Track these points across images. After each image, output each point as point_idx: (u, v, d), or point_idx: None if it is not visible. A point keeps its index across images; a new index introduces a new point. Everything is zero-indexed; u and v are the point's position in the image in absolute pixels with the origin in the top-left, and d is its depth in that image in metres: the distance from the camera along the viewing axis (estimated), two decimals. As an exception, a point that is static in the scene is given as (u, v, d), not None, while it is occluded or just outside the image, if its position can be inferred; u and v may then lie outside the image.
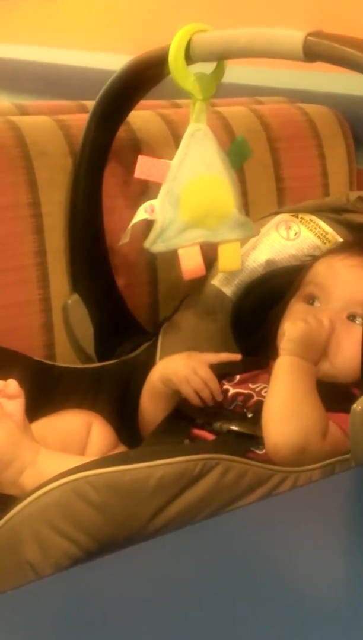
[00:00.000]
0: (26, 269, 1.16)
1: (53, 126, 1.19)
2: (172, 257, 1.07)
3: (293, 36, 0.89)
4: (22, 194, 1.14)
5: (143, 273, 1.24)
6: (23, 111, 1.29)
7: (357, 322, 1.02)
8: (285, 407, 0.93)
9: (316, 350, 0.98)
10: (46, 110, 1.27)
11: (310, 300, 1.05)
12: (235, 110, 1.34)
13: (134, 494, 0.80)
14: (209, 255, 1.09)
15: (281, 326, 1.02)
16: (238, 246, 1.06)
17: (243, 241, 1.13)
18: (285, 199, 1.34)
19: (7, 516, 0.81)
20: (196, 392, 1.03)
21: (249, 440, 0.95)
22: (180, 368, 1.04)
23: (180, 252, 1.04)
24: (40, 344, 1.17)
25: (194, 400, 1.03)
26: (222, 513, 0.83)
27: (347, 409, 0.84)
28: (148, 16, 1.75)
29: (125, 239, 1.07)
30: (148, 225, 1.06)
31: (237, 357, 1.07)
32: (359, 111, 1.39)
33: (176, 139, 1.11)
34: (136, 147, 1.20)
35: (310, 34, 0.88)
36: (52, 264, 1.17)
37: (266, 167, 1.33)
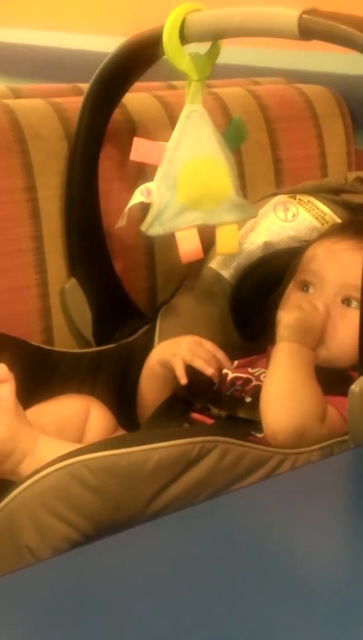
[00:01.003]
0: (23, 253, 1.16)
1: (48, 109, 1.20)
2: (169, 240, 1.08)
3: (288, 14, 0.89)
4: (18, 177, 1.15)
5: (140, 257, 1.25)
6: (17, 94, 1.29)
7: (352, 305, 1.02)
8: (283, 393, 0.94)
9: (312, 336, 0.99)
10: (41, 93, 1.28)
11: (305, 287, 1.06)
12: (232, 91, 1.35)
13: (132, 477, 0.81)
14: (207, 239, 1.09)
15: (277, 314, 1.03)
16: (236, 228, 1.07)
17: (241, 224, 1.13)
18: (283, 180, 1.34)
19: (5, 501, 0.82)
20: (187, 364, 1.02)
21: (248, 425, 0.96)
22: (179, 348, 1.05)
23: (177, 235, 1.05)
24: (38, 329, 1.18)
25: (179, 373, 1.02)
26: (221, 494, 0.84)
27: (344, 392, 0.85)
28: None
29: (121, 222, 1.08)
30: (145, 208, 1.06)
31: (229, 364, 1.06)
32: (357, 91, 1.39)
33: (173, 120, 1.11)
34: (132, 130, 1.20)
35: (304, 12, 0.88)
36: (48, 248, 1.18)
37: (263, 148, 1.33)
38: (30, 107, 1.20)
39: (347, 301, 1.03)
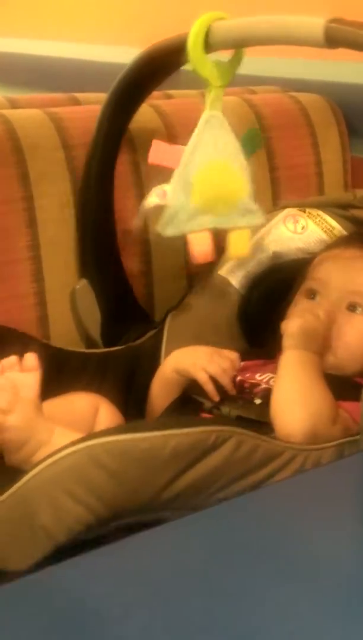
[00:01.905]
0: (20, 262, 1.20)
1: (45, 119, 1.24)
2: (165, 246, 1.11)
3: (314, 23, 0.94)
4: (15, 187, 1.18)
5: (138, 265, 1.28)
6: (15, 104, 1.34)
7: (357, 312, 1.08)
8: (293, 396, 0.98)
9: (316, 342, 1.04)
10: (38, 103, 1.32)
11: (311, 295, 1.11)
12: (227, 100, 1.36)
13: (149, 462, 0.84)
14: (217, 245, 1.14)
15: (281, 324, 1.08)
16: (248, 233, 1.11)
17: (252, 232, 1.17)
18: (279, 188, 1.38)
19: (23, 480, 0.85)
20: (213, 379, 1.06)
21: (258, 427, 0.99)
22: (198, 358, 1.08)
23: (190, 237, 1.08)
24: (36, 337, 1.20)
25: (210, 389, 1.06)
26: (233, 487, 0.87)
27: (355, 398, 0.88)
28: (141, 8, 1.79)
29: (138, 222, 1.12)
30: (159, 210, 1.10)
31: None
32: (352, 99, 1.43)
33: (168, 129, 1.15)
34: (128, 138, 1.23)
35: (330, 21, 0.93)
36: (45, 257, 1.21)
37: (259, 157, 1.35)
38: (27, 117, 1.24)
39: (352, 307, 1.08)
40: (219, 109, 1.06)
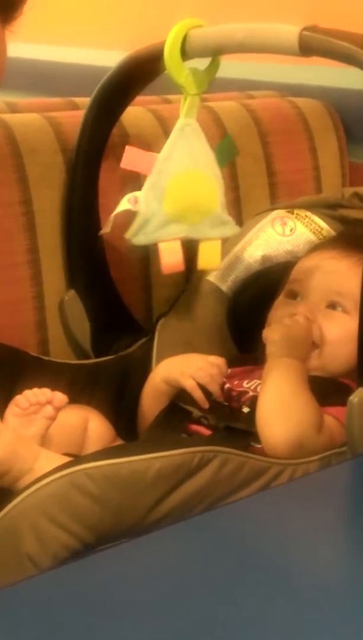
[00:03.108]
0: (18, 266, 1.18)
1: (43, 123, 1.22)
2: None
3: (289, 31, 0.92)
4: (13, 191, 1.17)
5: (135, 269, 1.27)
6: (13, 109, 1.31)
7: (338, 310, 1.05)
8: (276, 406, 0.96)
9: (299, 347, 1.02)
10: (37, 108, 1.30)
11: (292, 296, 1.09)
12: (226, 105, 1.37)
13: (133, 486, 0.83)
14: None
15: (266, 326, 1.06)
16: (219, 245, 1.10)
17: (237, 237, 1.16)
18: (277, 193, 1.37)
19: (6, 509, 0.83)
20: (201, 386, 1.04)
21: (246, 436, 0.98)
22: (186, 367, 1.06)
23: (161, 246, 1.07)
24: (34, 342, 1.19)
25: (199, 396, 1.04)
26: (220, 505, 0.86)
27: (342, 402, 0.87)
28: (139, 11, 1.77)
29: (106, 229, 1.10)
30: (132, 216, 1.08)
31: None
32: (350, 104, 1.42)
33: (167, 134, 1.13)
34: (126, 143, 1.21)
35: (305, 29, 0.91)
36: (44, 261, 1.19)
37: (257, 162, 1.35)
38: (25, 122, 1.22)
39: (332, 306, 1.06)
40: (194, 117, 1.04)
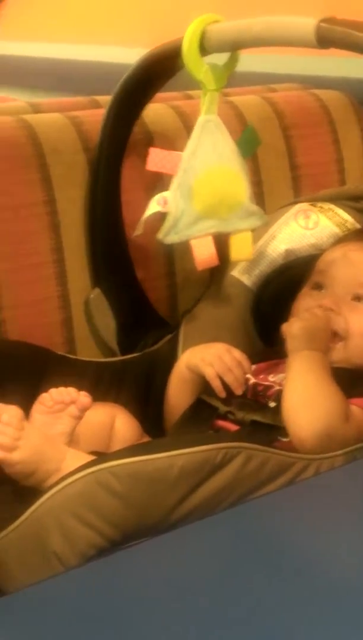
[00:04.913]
0: (44, 266, 1.19)
1: (66, 123, 1.23)
2: (188, 248, 1.10)
3: (306, 23, 0.92)
4: (37, 191, 1.18)
5: (161, 266, 1.27)
6: (36, 109, 1.32)
7: (362, 301, 1.05)
8: (301, 399, 0.97)
9: (319, 339, 1.02)
10: (59, 107, 1.31)
11: (317, 288, 1.09)
12: (247, 99, 1.37)
13: (157, 483, 0.83)
14: (227, 247, 1.12)
15: (289, 318, 1.07)
16: (250, 236, 1.10)
17: (261, 231, 1.16)
18: (300, 187, 1.37)
19: (32, 508, 0.84)
20: (220, 377, 1.05)
21: (273, 430, 0.98)
22: (207, 353, 1.07)
23: (193, 242, 1.08)
24: (61, 340, 1.20)
25: (216, 385, 1.05)
26: (245, 501, 0.86)
27: None
28: (160, 8, 1.78)
29: (138, 231, 1.11)
30: (162, 217, 1.09)
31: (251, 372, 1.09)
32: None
33: (189, 130, 1.14)
34: (149, 140, 1.23)
35: (322, 21, 0.91)
36: (69, 260, 1.20)
37: (280, 155, 1.35)
38: (48, 122, 1.23)
39: (357, 298, 1.06)
40: (214, 113, 1.04)
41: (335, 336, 1.05)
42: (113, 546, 0.83)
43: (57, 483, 0.84)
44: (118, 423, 1.07)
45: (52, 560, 0.82)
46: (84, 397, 0.99)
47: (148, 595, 0.65)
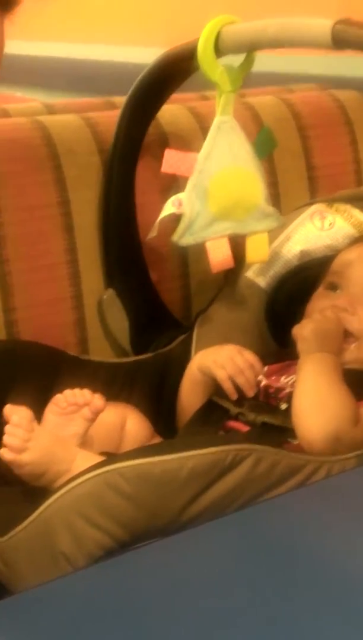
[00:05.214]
0: (57, 266, 1.20)
1: (81, 124, 1.24)
2: (202, 250, 1.11)
3: (322, 25, 0.92)
4: (51, 192, 1.19)
5: (175, 267, 1.28)
6: (51, 110, 1.33)
7: None
8: (310, 402, 0.97)
9: (330, 341, 1.02)
10: (74, 108, 1.31)
11: (332, 288, 1.09)
12: (264, 100, 1.37)
13: (166, 485, 0.83)
14: (242, 248, 1.12)
15: (303, 318, 1.07)
16: (266, 237, 1.10)
17: (276, 232, 1.16)
18: (317, 188, 1.36)
19: (40, 508, 0.84)
20: (231, 379, 1.05)
21: (284, 432, 0.98)
22: (219, 355, 1.07)
23: (208, 244, 1.08)
24: (74, 341, 1.21)
25: (228, 387, 1.05)
26: (255, 503, 0.86)
27: None
28: (177, 8, 1.78)
29: (153, 233, 1.12)
30: (177, 219, 1.09)
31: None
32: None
33: (205, 131, 1.14)
34: (165, 141, 1.23)
35: (338, 22, 0.91)
36: (83, 261, 1.21)
37: (296, 156, 1.35)
38: (63, 123, 1.24)
39: None
40: (230, 114, 1.05)
41: (349, 336, 1.04)
42: (122, 547, 0.83)
43: (66, 484, 0.84)
44: (130, 424, 1.07)
45: (60, 560, 0.83)
46: (98, 399, 0.99)
47: (156, 597, 0.66)
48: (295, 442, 0.96)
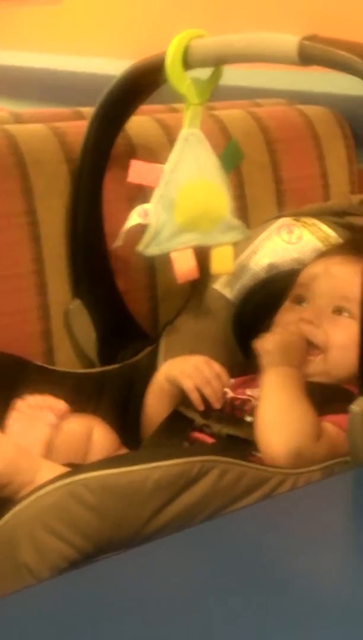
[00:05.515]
0: (24, 276, 1.20)
1: (48, 134, 1.24)
2: (168, 261, 1.11)
3: (288, 40, 0.93)
4: (18, 202, 1.19)
5: (142, 278, 1.28)
6: (18, 119, 1.33)
7: (344, 315, 1.07)
8: (274, 417, 0.98)
9: (293, 355, 1.03)
10: (42, 118, 1.31)
11: (299, 301, 1.10)
12: (232, 114, 1.38)
13: (131, 496, 0.83)
14: (208, 260, 1.13)
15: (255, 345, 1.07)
16: (231, 249, 1.12)
17: (243, 245, 1.17)
18: (284, 201, 1.38)
19: (3, 519, 0.84)
20: (198, 389, 1.06)
21: (249, 444, 0.99)
22: (186, 365, 1.08)
23: (173, 255, 1.09)
24: (40, 351, 1.20)
25: (195, 397, 1.05)
26: (220, 515, 0.86)
27: (344, 409, 0.88)
28: (145, 21, 1.80)
29: (118, 242, 1.12)
30: (143, 229, 1.10)
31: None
32: (359, 111, 1.42)
33: (173, 143, 1.14)
34: (132, 153, 1.24)
35: (304, 38, 0.92)
36: (49, 271, 1.21)
37: (264, 169, 1.36)
38: (30, 132, 1.24)
39: (338, 311, 1.07)
40: (197, 127, 1.05)
41: (314, 349, 1.06)
42: (86, 559, 0.83)
43: (29, 494, 0.84)
44: (96, 435, 1.07)
45: (23, 571, 0.82)
46: (60, 403, 0.99)
47: (120, 609, 0.66)
48: (259, 455, 0.96)
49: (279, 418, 0.96)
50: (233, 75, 1.11)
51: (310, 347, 1.06)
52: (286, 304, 1.11)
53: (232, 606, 0.66)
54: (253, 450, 0.97)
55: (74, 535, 0.83)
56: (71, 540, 0.83)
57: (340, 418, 0.96)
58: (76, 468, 0.86)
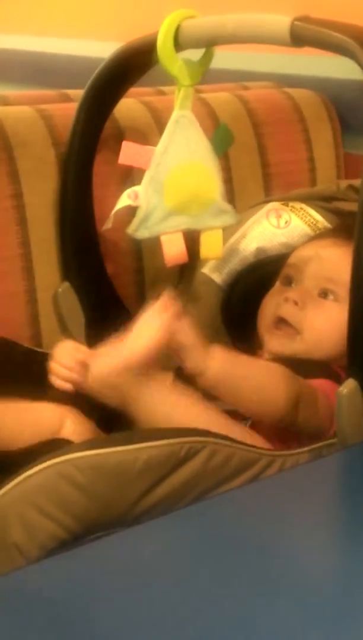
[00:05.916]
0: (10, 260, 1.20)
1: (35, 116, 1.24)
2: (157, 244, 1.12)
3: (280, 21, 0.94)
4: (4, 185, 1.18)
5: (130, 262, 1.29)
6: (4, 102, 1.33)
7: (328, 298, 1.08)
8: (257, 385, 0.98)
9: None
10: (28, 100, 1.31)
11: (288, 282, 1.11)
12: (219, 97, 1.39)
13: (120, 476, 0.84)
14: (197, 244, 1.14)
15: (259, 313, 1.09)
16: (220, 234, 1.12)
17: (232, 229, 1.18)
18: (271, 184, 1.38)
19: (-7, 499, 0.84)
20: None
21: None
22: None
23: (163, 238, 1.09)
24: (27, 335, 1.21)
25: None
26: (209, 496, 0.87)
27: (327, 376, 0.89)
28: (135, 2, 1.79)
29: (108, 224, 1.12)
30: (133, 211, 1.10)
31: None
32: (346, 95, 1.43)
33: (160, 126, 1.15)
34: (120, 135, 1.24)
35: (296, 19, 0.93)
36: (36, 254, 1.21)
37: (251, 153, 1.37)
38: (17, 115, 1.24)
39: (323, 294, 1.08)
40: (188, 108, 1.06)
41: (289, 327, 1.07)
42: (75, 539, 0.84)
43: (18, 475, 0.84)
44: (67, 426, 1.05)
45: (12, 552, 0.83)
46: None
47: (108, 590, 0.66)
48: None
49: (260, 381, 0.97)
50: (221, 58, 1.11)
51: (285, 325, 1.07)
52: (276, 287, 1.12)
53: (221, 587, 0.66)
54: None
55: (63, 514, 0.83)
56: (60, 519, 0.83)
57: (322, 383, 0.99)
58: (65, 448, 0.86)
